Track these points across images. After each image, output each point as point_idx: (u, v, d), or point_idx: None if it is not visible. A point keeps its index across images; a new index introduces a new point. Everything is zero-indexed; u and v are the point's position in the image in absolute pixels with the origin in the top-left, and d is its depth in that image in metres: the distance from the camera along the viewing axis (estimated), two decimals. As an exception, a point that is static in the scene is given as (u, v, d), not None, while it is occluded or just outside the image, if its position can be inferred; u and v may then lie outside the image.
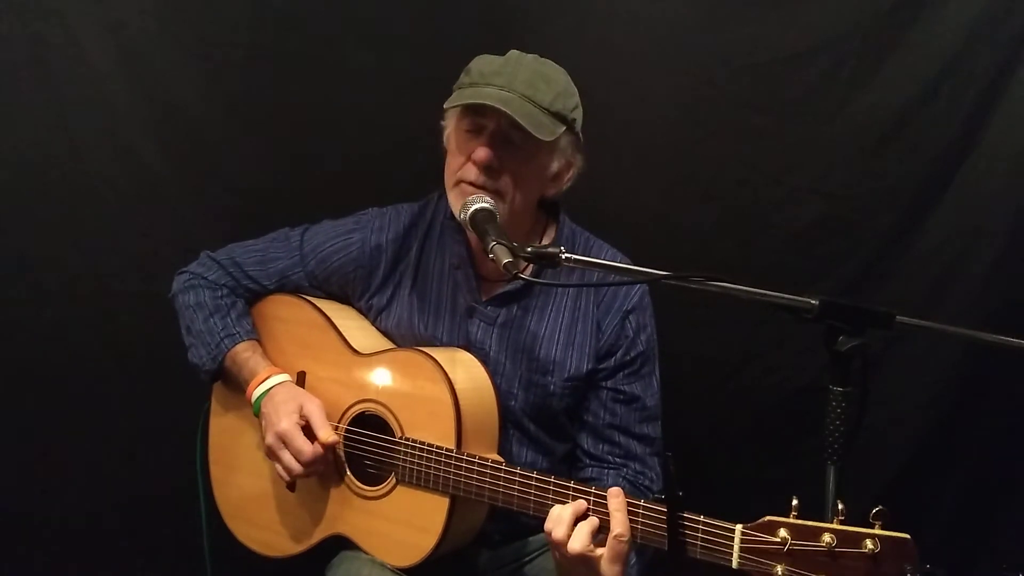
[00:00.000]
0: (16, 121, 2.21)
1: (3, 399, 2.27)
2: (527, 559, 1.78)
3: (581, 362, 1.71)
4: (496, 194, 1.60)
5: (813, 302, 1.26)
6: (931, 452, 2.37)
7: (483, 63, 1.65)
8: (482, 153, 1.59)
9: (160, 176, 2.26)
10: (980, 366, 2.31)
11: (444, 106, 1.65)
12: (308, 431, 1.64)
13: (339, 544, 1.72)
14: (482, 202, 1.56)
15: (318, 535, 1.72)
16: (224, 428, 1.86)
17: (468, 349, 1.71)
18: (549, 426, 1.74)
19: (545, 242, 1.77)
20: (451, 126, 1.69)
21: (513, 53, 1.67)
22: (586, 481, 1.67)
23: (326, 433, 1.63)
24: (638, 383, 1.73)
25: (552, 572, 1.71)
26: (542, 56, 1.69)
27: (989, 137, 2.27)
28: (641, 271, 1.43)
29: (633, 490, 1.65)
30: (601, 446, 1.73)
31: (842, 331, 1.25)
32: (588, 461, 1.74)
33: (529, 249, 1.44)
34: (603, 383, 1.73)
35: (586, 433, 1.75)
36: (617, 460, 1.72)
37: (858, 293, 2.30)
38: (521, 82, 1.59)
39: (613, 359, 1.72)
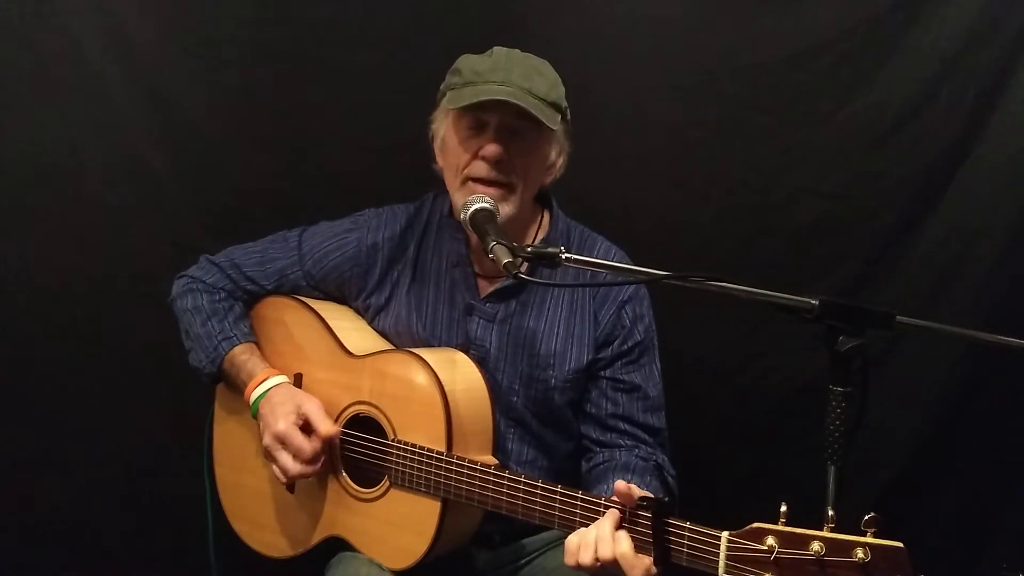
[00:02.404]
0: (16, 121, 2.21)
1: (3, 399, 2.27)
2: (526, 559, 1.77)
3: (581, 354, 1.71)
4: (508, 187, 1.62)
5: (813, 302, 1.26)
6: (931, 452, 2.36)
7: (473, 62, 1.65)
8: (493, 148, 1.60)
9: (160, 176, 2.26)
10: (980, 366, 2.31)
11: (449, 106, 1.65)
12: (306, 430, 1.64)
13: (339, 545, 1.72)
14: (482, 202, 1.56)
15: (316, 537, 1.72)
16: (228, 429, 1.87)
17: (467, 347, 1.71)
18: (552, 422, 1.74)
19: (540, 234, 1.78)
20: (447, 126, 1.69)
21: (499, 50, 1.68)
22: (597, 465, 1.70)
23: (326, 427, 1.63)
24: (637, 373, 1.74)
25: (551, 572, 1.72)
26: (543, 55, 1.70)
27: (989, 137, 2.27)
28: (641, 271, 1.43)
29: (645, 466, 1.67)
30: (608, 435, 1.73)
31: (842, 331, 1.24)
32: (598, 449, 1.74)
33: (529, 249, 1.43)
34: (602, 373, 1.73)
35: (592, 424, 1.75)
36: (628, 443, 1.72)
37: (858, 293, 2.30)
38: (518, 76, 1.60)
39: (610, 348, 1.73)
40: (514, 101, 1.56)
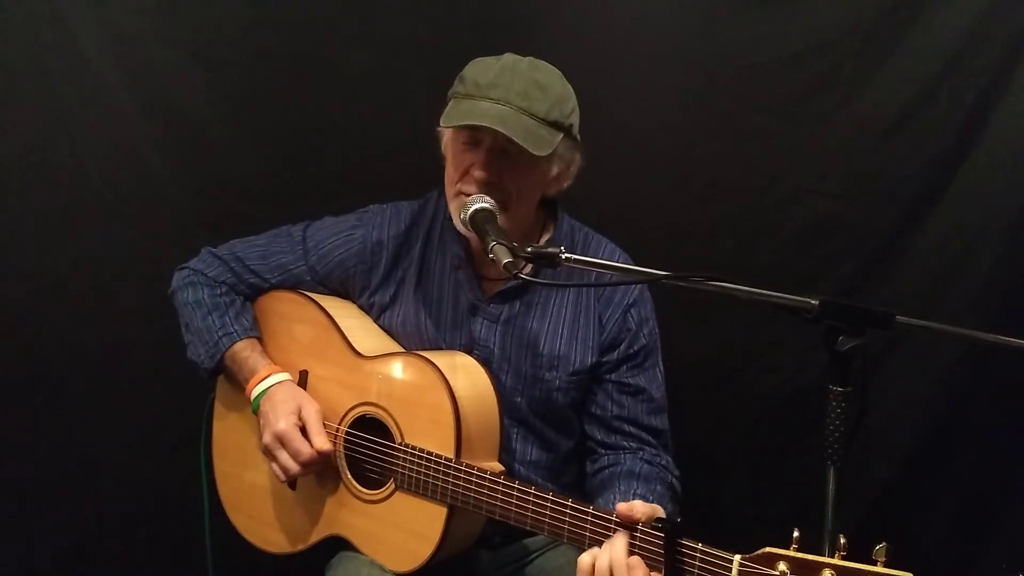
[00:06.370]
0: (16, 121, 2.21)
1: (3, 399, 2.27)
2: (527, 560, 1.78)
3: (584, 356, 1.72)
4: (498, 204, 1.60)
5: (813, 302, 1.26)
6: (931, 452, 2.36)
7: (478, 71, 1.62)
8: (480, 175, 1.60)
9: (160, 176, 2.26)
10: (980, 366, 2.31)
11: (441, 123, 1.64)
12: (305, 434, 1.64)
13: (339, 544, 1.72)
14: (482, 202, 1.56)
15: (317, 535, 1.72)
16: (227, 423, 1.87)
17: (472, 347, 1.71)
18: (555, 422, 1.74)
19: (545, 239, 1.77)
20: (447, 135, 1.69)
21: (508, 59, 1.65)
22: (603, 469, 1.70)
23: (321, 441, 1.63)
24: (642, 375, 1.74)
25: (551, 573, 1.72)
26: (542, 56, 1.69)
27: (989, 137, 2.26)
28: (641, 271, 1.43)
29: (651, 470, 1.67)
30: (613, 436, 1.73)
31: (842, 331, 1.24)
32: (603, 451, 1.74)
33: (529, 249, 1.43)
34: (608, 376, 1.74)
35: (597, 426, 1.75)
36: (632, 445, 1.72)
37: (858, 293, 2.30)
38: (517, 94, 1.57)
39: (616, 352, 1.73)
40: (500, 130, 1.54)
